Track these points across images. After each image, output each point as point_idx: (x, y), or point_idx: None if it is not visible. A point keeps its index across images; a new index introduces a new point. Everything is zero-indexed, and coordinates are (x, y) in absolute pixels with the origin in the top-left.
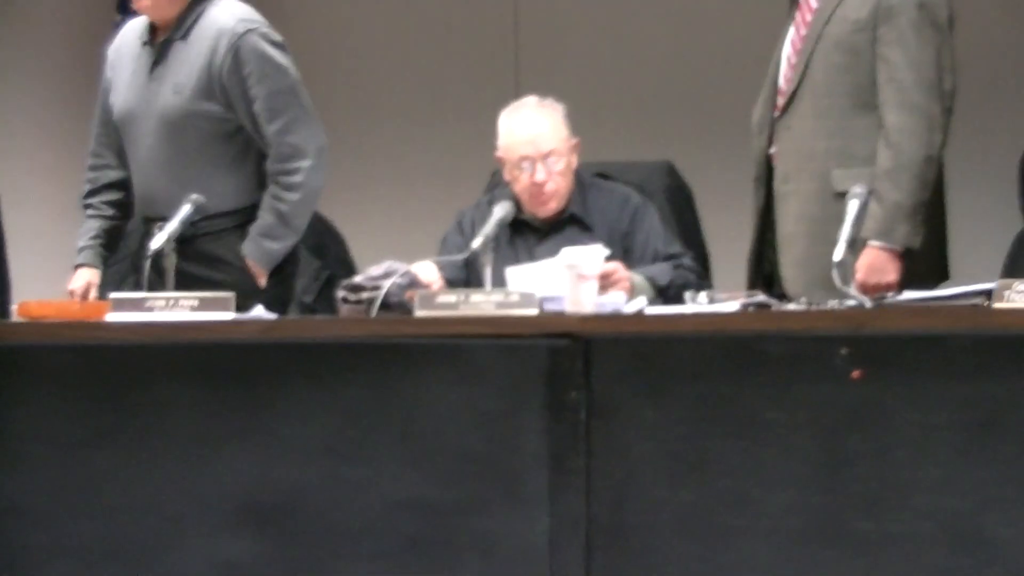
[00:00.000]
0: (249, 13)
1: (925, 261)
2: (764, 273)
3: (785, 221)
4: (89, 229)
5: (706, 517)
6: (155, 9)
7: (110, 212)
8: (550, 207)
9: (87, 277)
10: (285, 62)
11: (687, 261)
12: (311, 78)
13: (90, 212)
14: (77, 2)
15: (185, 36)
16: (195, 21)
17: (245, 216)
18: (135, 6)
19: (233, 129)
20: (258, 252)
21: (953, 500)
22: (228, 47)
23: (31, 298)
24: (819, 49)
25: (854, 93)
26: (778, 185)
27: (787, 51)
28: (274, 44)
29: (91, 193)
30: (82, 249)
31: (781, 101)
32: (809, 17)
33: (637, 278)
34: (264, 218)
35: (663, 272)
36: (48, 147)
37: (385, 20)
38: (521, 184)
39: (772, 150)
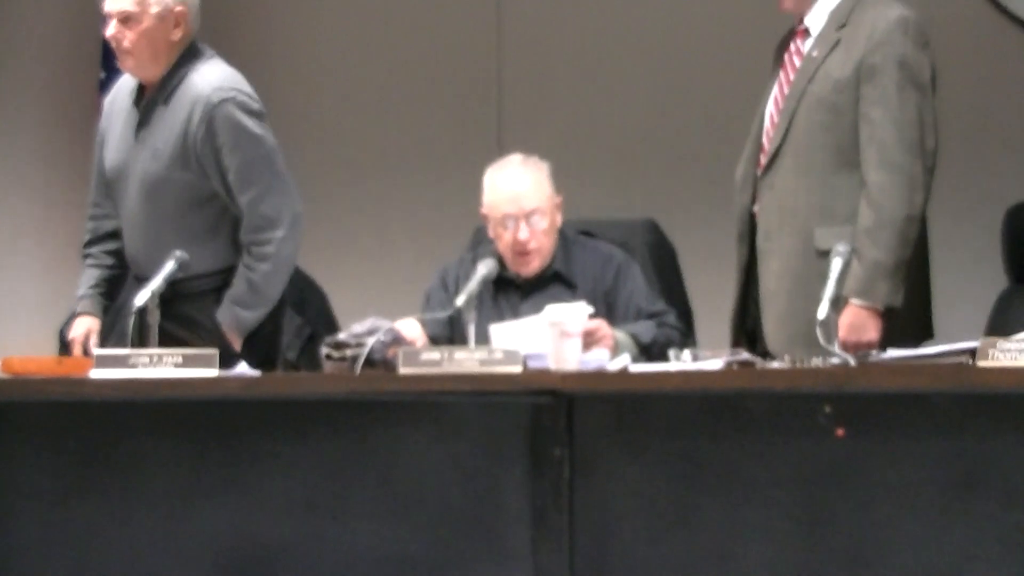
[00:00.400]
0: (228, 80)
1: (908, 319)
2: (747, 330)
3: (767, 278)
4: (89, 278)
5: (689, 574)
6: (138, 70)
7: (110, 261)
8: (533, 266)
9: (87, 325)
10: (259, 131)
11: (670, 319)
12: (290, 132)
13: (90, 261)
14: (61, 58)
15: (167, 100)
16: (177, 85)
17: (222, 279)
18: (120, 66)
19: (209, 195)
20: (231, 319)
21: (934, 557)
22: (202, 117)
23: (15, 355)
24: (802, 107)
25: (836, 151)
26: (760, 242)
27: (770, 108)
28: (249, 113)
29: (91, 243)
30: (82, 298)
31: (764, 159)
32: (792, 75)
33: (620, 335)
34: (237, 286)
35: (646, 329)
36: (33, 203)
37: (366, 74)
38: (504, 242)
39: (755, 207)
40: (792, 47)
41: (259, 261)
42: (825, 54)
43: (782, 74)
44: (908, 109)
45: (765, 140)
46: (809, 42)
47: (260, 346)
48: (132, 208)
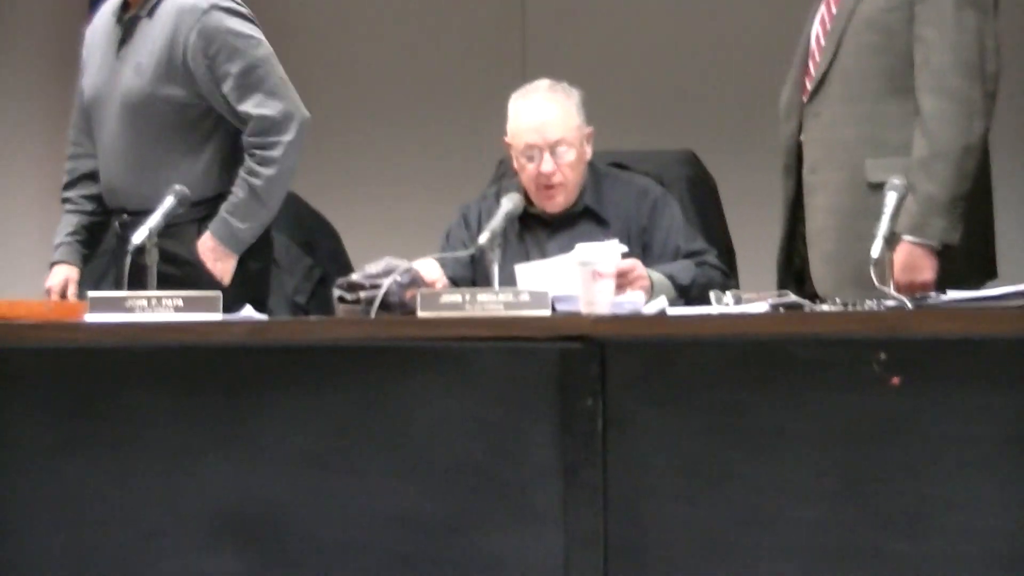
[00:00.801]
0: None
1: (969, 259)
2: (794, 270)
3: (814, 215)
4: (67, 224)
5: (729, 535)
6: None
7: (89, 207)
8: (557, 201)
9: (64, 274)
10: (255, 33)
11: (711, 258)
12: (303, 63)
13: (68, 207)
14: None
15: (151, 13)
16: None
17: (207, 209)
18: None
19: (197, 115)
20: (225, 232)
21: (996, 519)
22: (191, 25)
23: (10, 298)
24: (850, 29)
25: (888, 76)
26: (807, 175)
27: (816, 29)
28: (241, 16)
29: (68, 185)
30: (59, 245)
31: (809, 85)
32: None
33: (657, 276)
34: (236, 195)
35: (685, 270)
36: (28, 141)
37: (385, 4)
38: (527, 174)
39: (801, 137)
40: None
41: (264, 166)
42: None
43: None
44: (967, 29)
45: (811, 64)
46: None
47: (249, 287)
48: (112, 132)
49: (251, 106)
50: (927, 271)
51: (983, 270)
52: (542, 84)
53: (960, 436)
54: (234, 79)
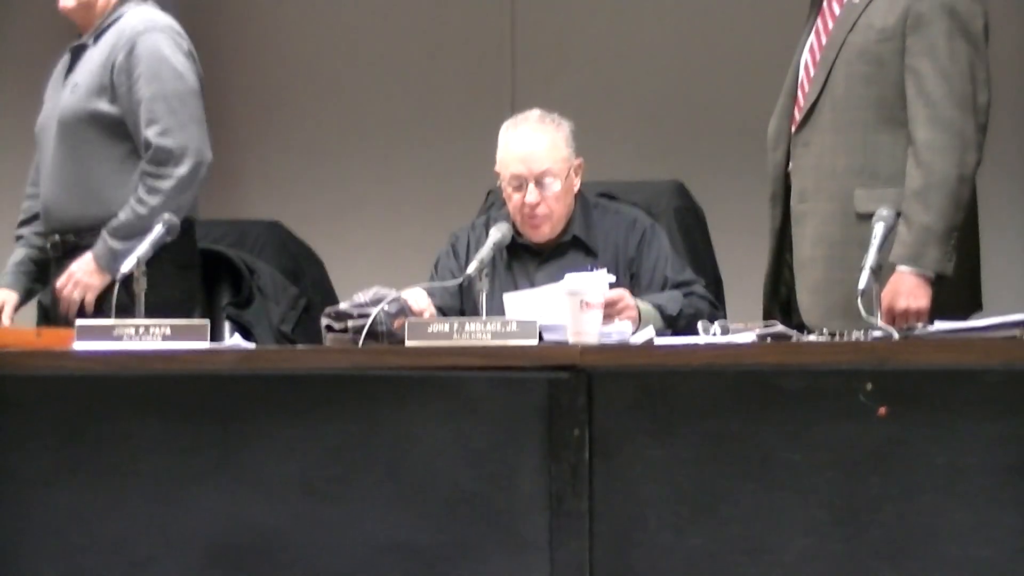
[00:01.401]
0: (160, 18)
1: (957, 290)
2: (781, 299)
3: (802, 244)
4: (16, 256)
5: (717, 565)
6: (75, 12)
7: (39, 243)
8: (543, 231)
9: (2, 297)
10: (183, 68)
11: (699, 289)
12: (293, 92)
13: (20, 243)
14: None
15: (97, 40)
16: (109, 26)
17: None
18: (60, 6)
19: (124, 132)
20: (101, 251)
21: (984, 549)
22: (124, 44)
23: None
24: (841, 58)
25: (879, 107)
26: (795, 204)
27: (806, 58)
28: (176, 47)
29: (23, 223)
30: (3, 274)
31: (799, 114)
32: (831, 24)
33: (645, 306)
34: (119, 217)
35: (673, 300)
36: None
37: (373, 29)
38: (513, 205)
39: (789, 166)
40: None
41: (150, 194)
42: (867, 1)
43: (819, 21)
44: (958, 61)
45: (800, 93)
46: None
47: (171, 316)
48: (49, 154)
49: (153, 133)
50: (922, 300)
51: (969, 301)
52: (532, 115)
53: (949, 465)
54: (146, 103)
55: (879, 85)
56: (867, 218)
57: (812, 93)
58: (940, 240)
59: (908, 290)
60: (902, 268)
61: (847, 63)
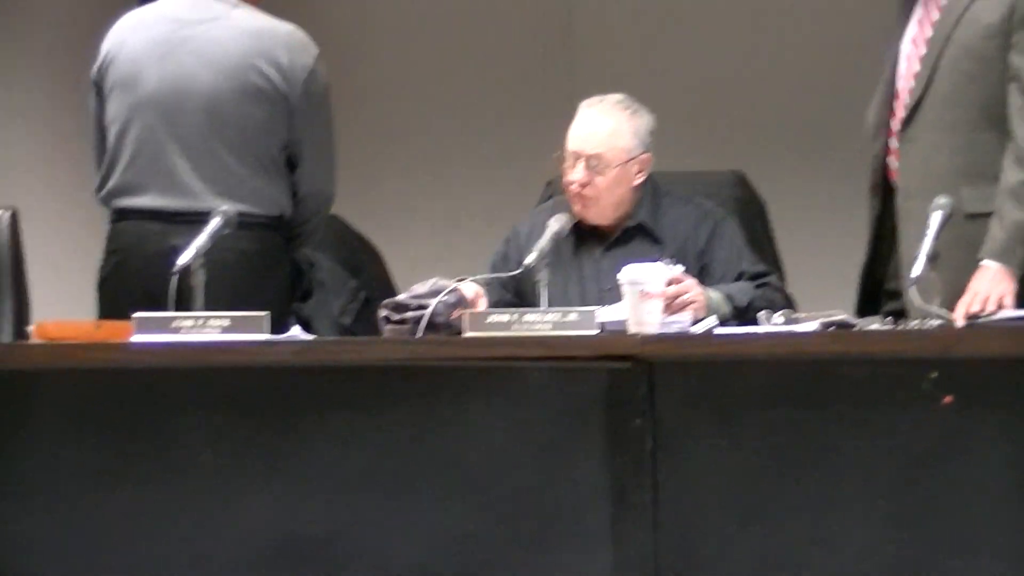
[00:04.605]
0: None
1: None
2: (875, 289)
3: (908, 242)
4: None
5: (781, 555)
6: None
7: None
8: (589, 213)
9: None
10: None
11: (773, 281)
12: (353, 87)
13: None
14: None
15: (226, 18)
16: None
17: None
18: None
19: (277, 143)
20: None
21: None
22: (301, 72)
23: (49, 318)
24: (946, 55)
25: (984, 105)
26: (901, 202)
27: (907, 50)
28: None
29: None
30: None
31: (902, 111)
32: (936, 16)
33: (714, 295)
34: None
35: (743, 292)
36: (62, 159)
37: (432, 21)
38: (565, 179)
39: (892, 161)
40: None
41: (308, 239)
42: None
43: (923, 12)
44: None
45: (901, 86)
46: None
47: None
48: (185, 130)
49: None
50: (1008, 296)
51: None
52: (613, 97)
53: (1014, 455)
54: (310, 140)
55: (984, 83)
56: (975, 218)
57: (917, 89)
58: None
59: (994, 280)
60: (990, 263)
61: (953, 60)
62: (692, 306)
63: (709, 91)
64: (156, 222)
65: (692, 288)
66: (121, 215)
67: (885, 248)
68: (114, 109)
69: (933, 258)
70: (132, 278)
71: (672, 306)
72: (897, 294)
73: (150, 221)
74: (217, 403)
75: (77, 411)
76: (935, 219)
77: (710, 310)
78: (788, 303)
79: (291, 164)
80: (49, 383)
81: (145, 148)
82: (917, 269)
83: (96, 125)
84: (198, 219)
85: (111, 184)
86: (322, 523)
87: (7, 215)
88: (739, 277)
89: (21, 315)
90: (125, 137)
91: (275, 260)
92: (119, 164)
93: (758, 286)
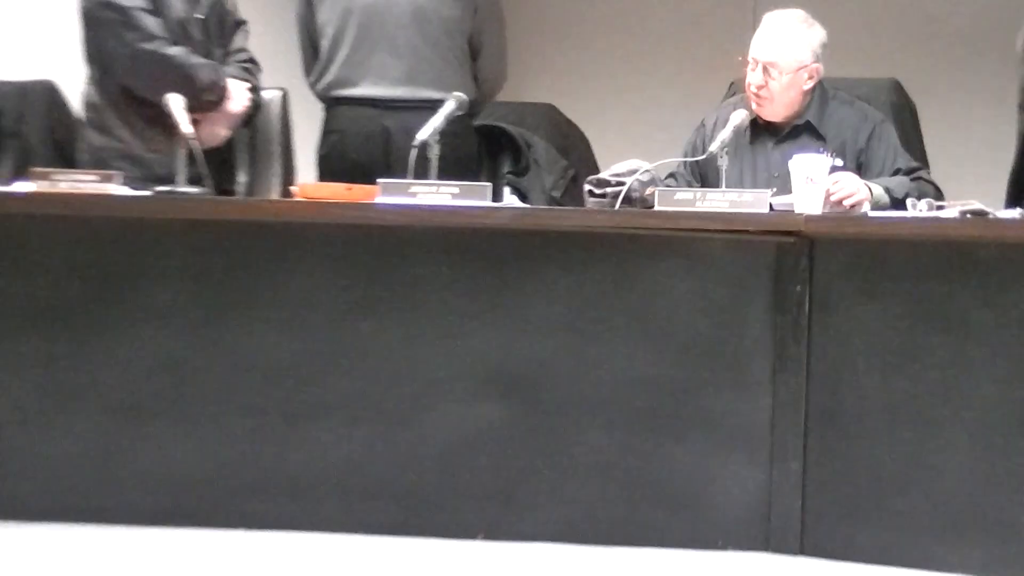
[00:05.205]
0: None
1: None
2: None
3: None
4: None
5: (915, 406)
6: None
7: None
8: (764, 111)
9: None
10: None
11: (925, 174)
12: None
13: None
14: None
15: None
16: None
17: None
18: None
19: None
20: None
21: None
22: None
23: (310, 181)
24: None
25: None
26: None
27: None
28: None
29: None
30: None
31: None
32: None
33: (876, 189)
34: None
35: (900, 185)
36: None
37: None
38: (746, 80)
39: None
40: None
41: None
42: None
43: None
44: None
45: None
46: None
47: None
48: (394, 32)
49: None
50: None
51: None
52: (793, 12)
53: None
54: (491, 36)
55: None
56: None
57: None
58: None
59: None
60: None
61: None
62: (854, 196)
63: (873, 5)
64: (370, 107)
65: (854, 180)
66: (337, 102)
67: None
68: (326, 14)
69: None
70: (349, 153)
71: (837, 200)
72: None
73: (364, 107)
74: (446, 257)
75: (331, 257)
76: None
77: (872, 201)
78: (939, 195)
79: (472, 54)
80: (309, 233)
81: (361, 46)
82: None
83: (303, 29)
84: (404, 105)
85: (330, 78)
86: (531, 360)
87: (279, 95)
88: (895, 173)
89: (287, 178)
90: (342, 38)
91: (466, 138)
92: (336, 61)
93: (913, 179)
